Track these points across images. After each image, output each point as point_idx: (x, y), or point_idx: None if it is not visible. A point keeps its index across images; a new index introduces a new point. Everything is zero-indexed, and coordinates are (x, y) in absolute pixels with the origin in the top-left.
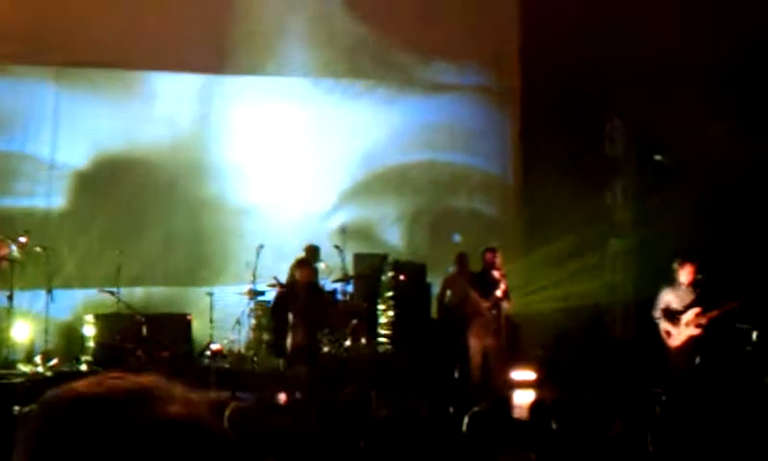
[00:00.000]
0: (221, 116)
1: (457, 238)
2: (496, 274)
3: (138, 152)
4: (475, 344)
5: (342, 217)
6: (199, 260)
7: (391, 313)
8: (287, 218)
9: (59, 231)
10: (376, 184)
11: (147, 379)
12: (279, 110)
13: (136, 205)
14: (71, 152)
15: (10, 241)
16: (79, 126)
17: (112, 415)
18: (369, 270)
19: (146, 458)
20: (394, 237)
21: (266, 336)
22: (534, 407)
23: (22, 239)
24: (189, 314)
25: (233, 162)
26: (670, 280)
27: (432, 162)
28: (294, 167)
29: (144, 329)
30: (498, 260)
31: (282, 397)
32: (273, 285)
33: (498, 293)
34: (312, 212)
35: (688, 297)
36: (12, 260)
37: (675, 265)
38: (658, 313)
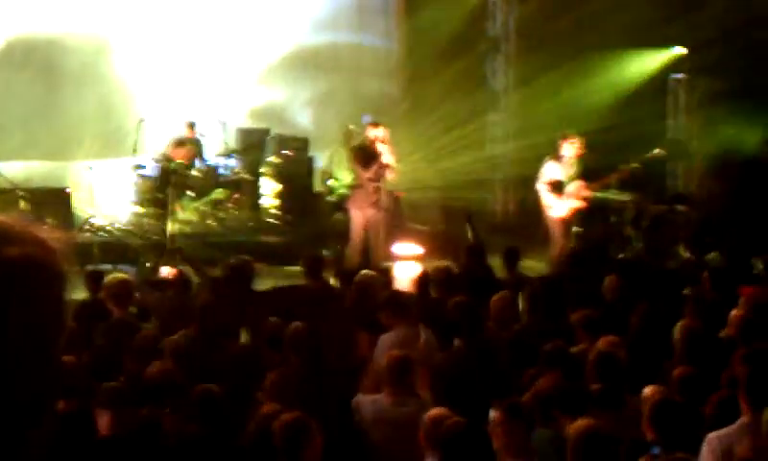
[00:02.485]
0: None
1: (367, 118)
2: (379, 147)
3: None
4: (356, 215)
5: (245, 98)
6: (80, 135)
7: (274, 187)
8: (177, 95)
9: None
10: (282, 66)
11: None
12: None
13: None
14: None
15: None
16: None
17: None
18: (252, 144)
19: None
20: (303, 119)
21: (149, 211)
22: (418, 279)
23: None
24: (68, 188)
25: (133, 40)
26: (554, 154)
27: (334, 43)
28: (195, 48)
29: (22, 203)
30: (381, 134)
31: (166, 270)
32: (157, 160)
33: (382, 166)
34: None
35: (572, 170)
36: None
37: (559, 139)
38: (542, 184)
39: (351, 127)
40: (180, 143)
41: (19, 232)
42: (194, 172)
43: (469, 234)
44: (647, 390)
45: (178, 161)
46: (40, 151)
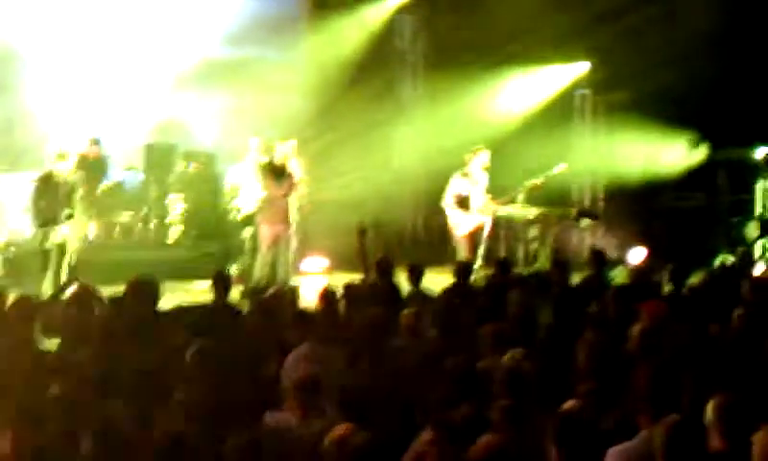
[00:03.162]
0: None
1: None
2: (289, 163)
3: None
4: (265, 230)
5: (151, 112)
6: None
7: (181, 203)
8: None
9: None
10: (189, 80)
11: None
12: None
13: None
14: None
15: None
16: None
17: None
18: (158, 159)
19: None
20: (210, 134)
21: (50, 227)
22: (323, 295)
23: None
24: None
25: (39, 51)
26: (461, 169)
27: (241, 57)
28: (101, 61)
29: None
30: (290, 149)
31: (70, 288)
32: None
33: (291, 181)
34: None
35: (478, 185)
36: None
37: (465, 153)
38: (449, 200)
39: (259, 140)
40: (62, 156)
41: None
42: (100, 188)
43: (360, 250)
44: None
45: (73, 175)
46: None
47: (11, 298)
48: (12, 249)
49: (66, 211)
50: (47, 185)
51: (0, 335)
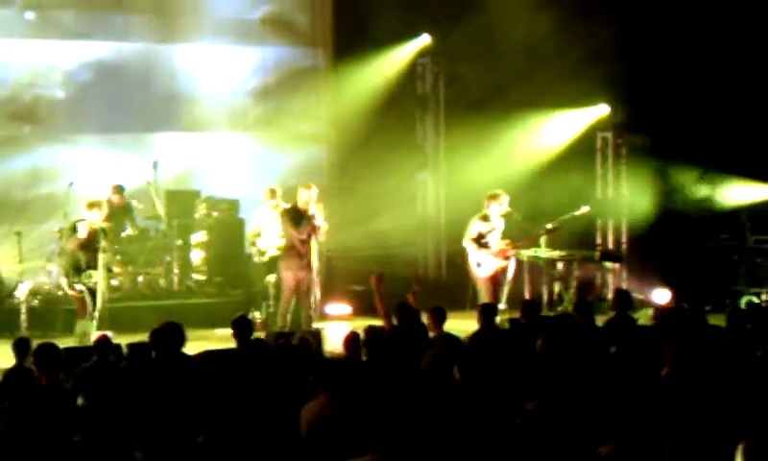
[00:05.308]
0: None
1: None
2: (311, 208)
3: None
4: (287, 276)
5: (173, 160)
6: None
7: (205, 249)
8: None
9: None
10: (212, 127)
11: None
12: None
13: None
14: None
15: None
16: None
17: None
18: (181, 207)
19: None
20: (233, 181)
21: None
22: (347, 340)
23: None
24: None
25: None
26: (481, 213)
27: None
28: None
29: None
30: (313, 195)
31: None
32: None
33: (313, 227)
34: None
35: (499, 228)
36: None
37: (486, 198)
38: (469, 241)
39: (278, 188)
40: (97, 204)
41: None
42: (123, 235)
43: (375, 296)
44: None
45: (102, 224)
46: None
47: (35, 346)
48: (38, 298)
49: (98, 259)
50: (88, 235)
51: (26, 384)
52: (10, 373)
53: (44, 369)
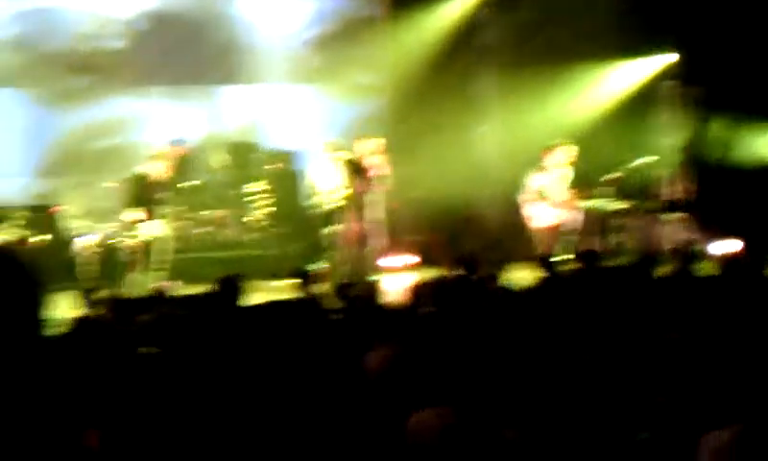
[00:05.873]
0: None
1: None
2: (370, 159)
3: None
4: (348, 228)
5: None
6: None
7: (263, 201)
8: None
9: None
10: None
11: None
12: None
13: None
14: None
15: None
16: None
17: None
18: (240, 158)
19: None
20: (291, 133)
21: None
22: (411, 290)
23: None
24: (57, 205)
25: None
26: (539, 164)
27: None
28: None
29: (10, 221)
30: (373, 146)
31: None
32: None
33: (373, 178)
34: None
35: (558, 180)
36: None
37: (544, 149)
38: (527, 194)
39: (337, 139)
40: (158, 155)
41: None
42: (185, 187)
43: (443, 246)
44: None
45: (162, 175)
46: (33, 168)
47: (107, 295)
48: (102, 249)
49: (160, 210)
50: (140, 185)
51: (95, 334)
52: (80, 321)
53: (117, 318)
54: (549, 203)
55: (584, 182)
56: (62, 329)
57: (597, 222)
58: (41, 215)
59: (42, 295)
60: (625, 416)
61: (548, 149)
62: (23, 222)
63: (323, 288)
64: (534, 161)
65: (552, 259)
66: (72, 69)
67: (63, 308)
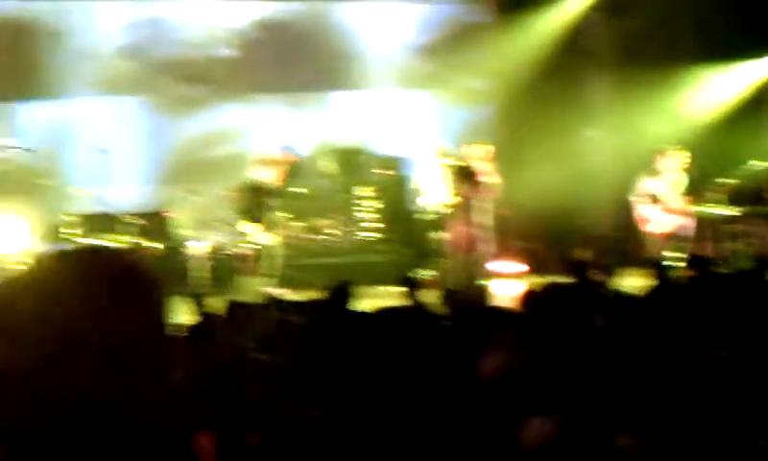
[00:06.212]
0: None
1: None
2: (480, 165)
3: None
4: (457, 234)
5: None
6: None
7: (372, 206)
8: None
9: None
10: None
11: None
12: None
13: None
14: None
15: None
16: None
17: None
18: (348, 164)
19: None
20: (399, 138)
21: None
22: (521, 297)
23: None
24: (167, 211)
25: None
26: (651, 170)
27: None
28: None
29: (124, 228)
30: (482, 152)
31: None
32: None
33: (482, 184)
34: None
35: (670, 185)
36: None
37: (656, 154)
38: (639, 198)
39: (446, 145)
40: (269, 163)
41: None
42: (294, 193)
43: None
44: None
45: (273, 182)
46: (144, 175)
47: (220, 303)
48: (213, 256)
49: (270, 217)
50: (251, 193)
51: (210, 341)
52: (194, 328)
53: (233, 325)
54: (662, 207)
55: (696, 188)
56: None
57: (710, 228)
58: (154, 222)
59: (166, 300)
60: (743, 423)
61: (661, 153)
62: (137, 228)
63: (431, 294)
64: (645, 166)
65: (664, 265)
66: (185, 78)
67: (177, 314)
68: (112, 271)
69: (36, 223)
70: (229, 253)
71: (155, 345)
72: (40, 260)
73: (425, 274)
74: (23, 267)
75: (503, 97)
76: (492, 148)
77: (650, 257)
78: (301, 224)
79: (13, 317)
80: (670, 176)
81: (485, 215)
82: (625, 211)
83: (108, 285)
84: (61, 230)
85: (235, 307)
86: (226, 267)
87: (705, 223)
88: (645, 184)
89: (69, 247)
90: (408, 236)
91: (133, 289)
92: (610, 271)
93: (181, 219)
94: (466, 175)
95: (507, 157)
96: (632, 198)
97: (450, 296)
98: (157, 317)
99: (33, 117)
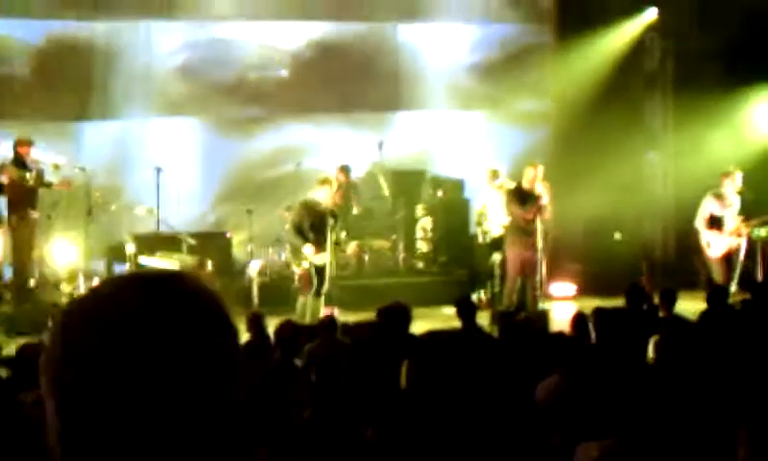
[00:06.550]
0: None
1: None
2: (537, 187)
3: None
4: (513, 255)
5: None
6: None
7: (430, 228)
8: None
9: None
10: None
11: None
12: None
13: None
14: None
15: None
16: None
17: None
18: (407, 186)
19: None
20: (458, 162)
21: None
22: (575, 320)
23: (60, 160)
24: (228, 232)
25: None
26: (714, 191)
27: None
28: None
29: (185, 248)
30: (539, 174)
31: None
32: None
33: (539, 206)
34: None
35: (733, 207)
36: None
37: (719, 175)
38: (700, 221)
39: (502, 167)
40: (326, 182)
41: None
42: (350, 214)
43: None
44: None
45: (330, 202)
46: (202, 195)
47: (279, 323)
48: (268, 275)
49: (326, 237)
50: (309, 212)
51: (265, 360)
52: (244, 347)
53: (282, 344)
54: (723, 230)
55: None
56: None
57: (763, 251)
58: (214, 241)
59: (233, 320)
60: None
61: (724, 175)
62: (197, 248)
63: (487, 316)
64: (706, 189)
65: (722, 288)
66: (241, 98)
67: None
68: (193, 296)
69: (96, 242)
70: (286, 272)
71: (235, 365)
72: (107, 284)
73: (481, 295)
74: (86, 290)
75: (560, 119)
76: (548, 169)
77: (710, 281)
78: (359, 244)
79: (85, 340)
80: (731, 198)
81: (541, 237)
82: (684, 234)
83: (188, 310)
84: (122, 249)
85: (290, 327)
86: (282, 286)
87: (759, 246)
88: (706, 206)
89: (132, 269)
90: (464, 257)
91: (212, 313)
92: (669, 296)
93: (241, 238)
94: (522, 196)
95: (564, 179)
96: (695, 221)
97: (505, 318)
98: (234, 337)
99: (93, 137)
